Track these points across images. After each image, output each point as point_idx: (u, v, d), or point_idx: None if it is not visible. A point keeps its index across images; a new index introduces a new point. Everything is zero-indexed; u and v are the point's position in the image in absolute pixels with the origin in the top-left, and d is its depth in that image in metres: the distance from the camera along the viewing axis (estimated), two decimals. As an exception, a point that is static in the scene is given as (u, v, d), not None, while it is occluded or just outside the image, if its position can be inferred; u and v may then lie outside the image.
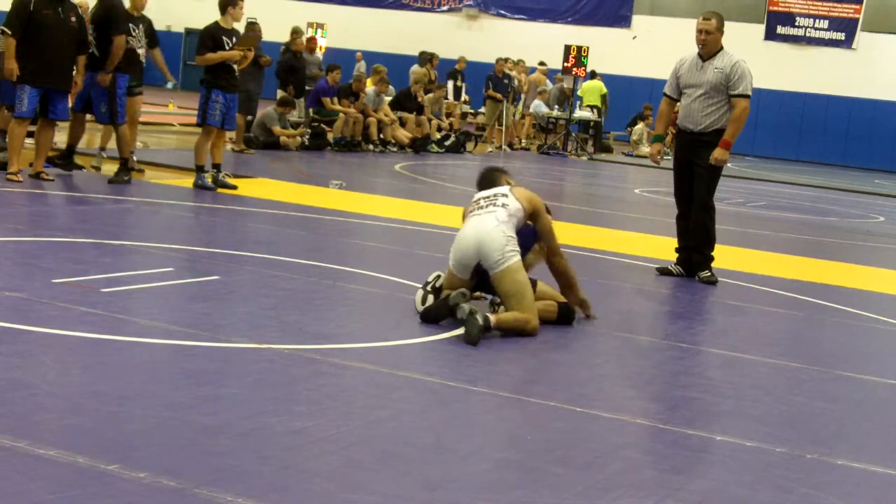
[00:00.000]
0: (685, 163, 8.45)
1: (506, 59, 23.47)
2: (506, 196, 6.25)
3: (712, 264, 8.45)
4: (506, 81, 22.93)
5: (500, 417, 4.47)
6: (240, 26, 11.88)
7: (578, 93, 25.44)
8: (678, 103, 8.58)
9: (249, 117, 16.13)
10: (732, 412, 4.92)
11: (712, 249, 8.44)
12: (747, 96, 8.19)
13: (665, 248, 9.32)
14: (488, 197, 6.32)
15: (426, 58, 22.54)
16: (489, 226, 6.06)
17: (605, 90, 25.66)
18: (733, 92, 8.17)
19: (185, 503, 3.22)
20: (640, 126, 26.14)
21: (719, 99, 8.21)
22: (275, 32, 25.96)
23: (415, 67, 22.19)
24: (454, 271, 6.16)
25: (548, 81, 25.34)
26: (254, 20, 16.50)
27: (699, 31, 8.28)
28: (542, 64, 25.95)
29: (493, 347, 5.67)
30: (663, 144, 8.77)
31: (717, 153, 8.21)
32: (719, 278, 8.48)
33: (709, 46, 8.26)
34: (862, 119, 29.76)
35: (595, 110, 25.29)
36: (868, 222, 15.65)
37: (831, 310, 7.86)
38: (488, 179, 6.64)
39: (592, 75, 25.65)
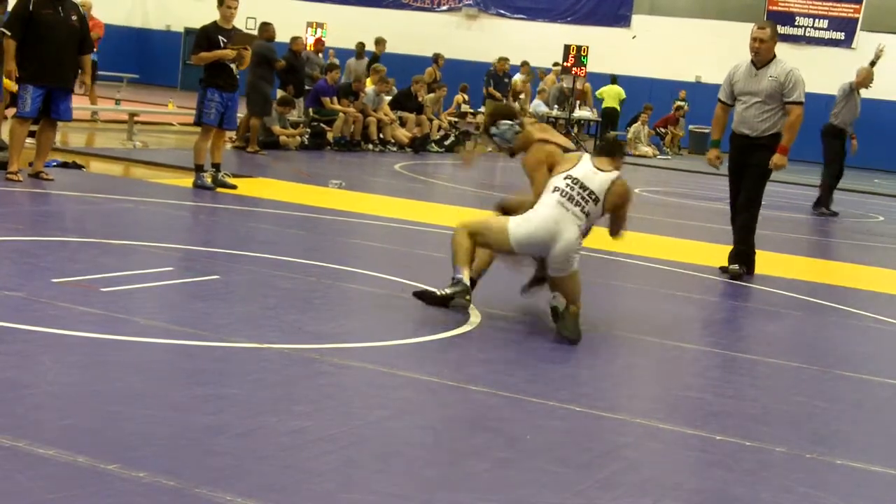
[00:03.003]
0: (740, 166, 8.64)
1: (506, 60, 23.43)
2: (599, 201, 6.05)
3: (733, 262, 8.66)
4: (506, 80, 22.89)
5: (500, 417, 4.46)
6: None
7: (597, 94, 26.89)
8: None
9: (265, 118, 16.08)
10: (732, 412, 4.92)
11: (748, 247, 8.68)
12: (801, 103, 8.42)
13: (665, 247, 9.33)
14: (586, 190, 6.02)
15: (359, 49, 22.32)
16: (571, 237, 5.94)
17: (623, 95, 26.90)
18: (788, 99, 8.39)
19: (184, 503, 3.22)
20: (637, 125, 26.15)
21: (774, 105, 8.43)
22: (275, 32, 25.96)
23: (350, 61, 21.96)
24: (515, 247, 6.05)
25: (557, 82, 25.45)
26: (267, 22, 16.51)
27: (753, 40, 8.41)
28: (556, 65, 26.07)
29: (493, 347, 5.67)
30: (718, 149, 8.91)
31: (777, 159, 8.42)
32: (718, 278, 8.50)
33: (762, 54, 8.43)
34: (862, 119, 29.65)
35: (596, 111, 25.59)
36: (868, 222, 15.65)
37: (831, 310, 7.86)
38: (609, 151, 6.42)
39: (613, 80, 27.03)
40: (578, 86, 26.12)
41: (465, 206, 12.25)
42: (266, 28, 16.18)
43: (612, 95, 27.02)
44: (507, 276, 7.84)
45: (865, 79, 15.54)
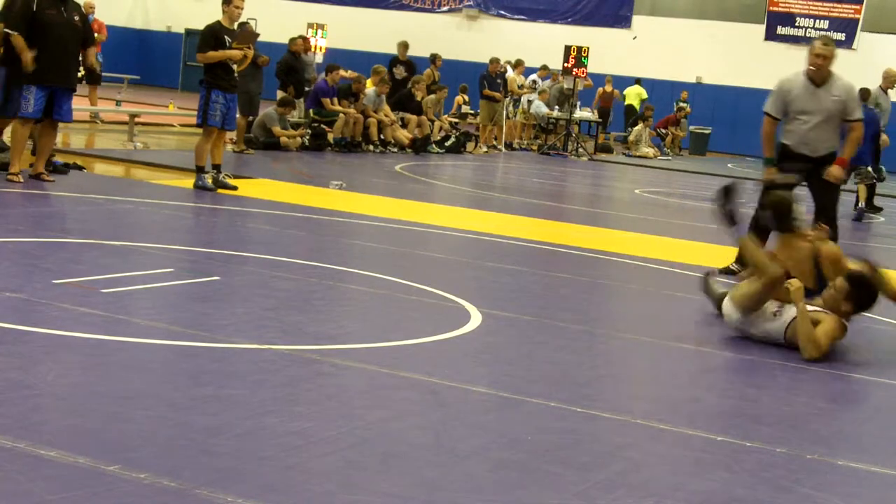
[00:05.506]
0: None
1: (497, 61, 23.41)
2: None
3: None
4: (498, 81, 22.87)
5: (500, 417, 4.47)
6: (255, 27, 11.88)
7: (623, 92, 28.58)
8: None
9: (251, 118, 16.12)
10: (732, 412, 4.92)
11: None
12: (861, 119, 8.50)
13: (665, 248, 9.31)
14: None
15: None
16: None
17: (645, 95, 28.76)
18: (851, 118, 8.38)
19: (185, 503, 3.23)
20: (639, 127, 26.17)
21: (835, 125, 8.43)
22: (275, 32, 25.96)
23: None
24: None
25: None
26: (244, 21, 16.47)
27: (817, 56, 8.22)
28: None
29: (493, 347, 5.67)
30: (774, 167, 8.53)
31: (836, 171, 8.35)
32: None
33: (822, 71, 8.28)
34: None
35: (595, 112, 25.77)
36: (868, 222, 15.64)
37: (831, 310, 7.84)
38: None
39: (637, 81, 29.05)
40: (607, 88, 27.48)
41: (465, 206, 12.25)
42: (242, 27, 16.16)
43: (633, 95, 28.73)
44: (507, 277, 7.87)
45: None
